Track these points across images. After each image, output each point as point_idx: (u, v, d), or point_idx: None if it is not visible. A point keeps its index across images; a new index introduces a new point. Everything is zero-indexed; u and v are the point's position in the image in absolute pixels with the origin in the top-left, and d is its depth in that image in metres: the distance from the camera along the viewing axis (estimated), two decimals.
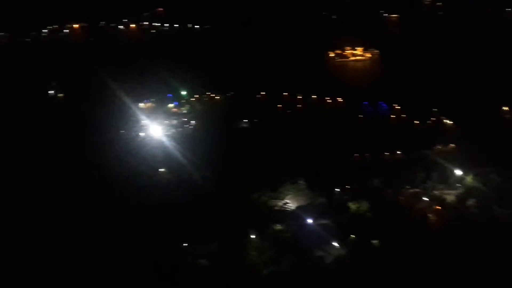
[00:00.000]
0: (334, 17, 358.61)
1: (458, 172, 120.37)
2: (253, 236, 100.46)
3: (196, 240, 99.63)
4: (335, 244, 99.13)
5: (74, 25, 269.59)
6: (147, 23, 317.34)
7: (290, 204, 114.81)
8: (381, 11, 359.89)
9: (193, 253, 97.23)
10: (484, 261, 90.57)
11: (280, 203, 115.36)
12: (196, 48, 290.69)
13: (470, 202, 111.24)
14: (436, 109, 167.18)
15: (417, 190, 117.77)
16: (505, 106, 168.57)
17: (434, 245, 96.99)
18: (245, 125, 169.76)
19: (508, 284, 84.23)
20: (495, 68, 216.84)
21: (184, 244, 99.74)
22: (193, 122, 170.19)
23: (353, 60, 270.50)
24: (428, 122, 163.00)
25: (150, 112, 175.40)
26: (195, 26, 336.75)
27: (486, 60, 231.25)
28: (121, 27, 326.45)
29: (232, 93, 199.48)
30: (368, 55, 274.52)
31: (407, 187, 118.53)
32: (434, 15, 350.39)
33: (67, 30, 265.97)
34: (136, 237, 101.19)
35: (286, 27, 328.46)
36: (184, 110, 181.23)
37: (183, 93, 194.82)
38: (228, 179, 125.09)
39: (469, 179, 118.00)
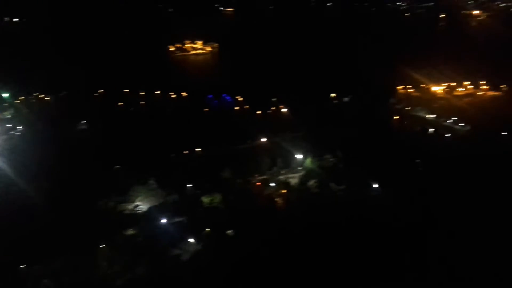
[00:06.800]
0: (170, 10, 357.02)
1: (299, 156, 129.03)
2: (102, 246, 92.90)
3: (37, 259, 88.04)
4: (191, 240, 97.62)
5: None
6: None
7: (141, 206, 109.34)
8: (216, 5, 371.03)
9: (35, 274, 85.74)
10: (329, 235, 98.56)
11: (130, 206, 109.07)
12: (15, 43, 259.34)
13: (311, 182, 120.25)
14: (275, 99, 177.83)
15: (264, 177, 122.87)
16: (333, 93, 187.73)
17: (284, 227, 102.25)
18: (83, 127, 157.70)
19: (353, 254, 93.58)
20: (326, 58, 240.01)
21: (21, 266, 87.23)
22: (19, 127, 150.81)
23: (194, 54, 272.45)
24: (268, 111, 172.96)
25: None
26: (5, 19, 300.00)
27: (318, 51, 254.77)
28: None
29: (65, 92, 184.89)
30: (208, 48, 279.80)
31: (255, 175, 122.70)
32: (266, 8, 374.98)
33: None
34: None
35: (121, 20, 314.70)
36: (7, 114, 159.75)
37: (5, 95, 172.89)
38: (68, 187, 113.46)
39: (308, 162, 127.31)
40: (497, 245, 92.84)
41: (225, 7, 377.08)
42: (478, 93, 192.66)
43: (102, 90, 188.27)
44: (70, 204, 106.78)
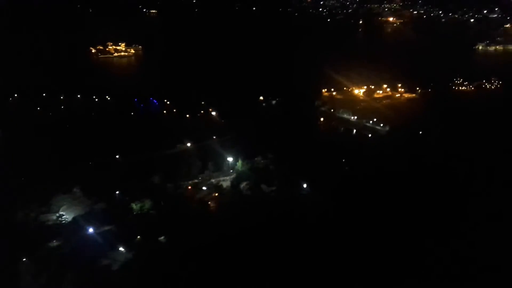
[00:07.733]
0: (90, 10, 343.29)
1: (230, 159, 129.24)
2: (24, 259, 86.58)
3: None
4: (121, 249, 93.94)
5: None
6: None
7: (66, 216, 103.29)
8: (140, 6, 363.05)
9: None
10: (262, 235, 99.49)
11: (54, 216, 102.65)
12: None
13: (243, 184, 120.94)
14: (204, 103, 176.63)
15: (196, 181, 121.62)
16: (261, 96, 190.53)
17: (218, 231, 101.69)
18: None
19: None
20: (252, 62, 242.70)
21: None
22: None
23: (117, 56, 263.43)
24: (197, 115, 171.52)
25: None
26: None
27: (244, 54, 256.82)
28: None
29: None
30: (132, 51, 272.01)
31: (187, 179, 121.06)
32: (191, 11, 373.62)
33: None
34: None
35: (39, 20, 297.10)
36: None
37: None
38: None
39: (239, 164, 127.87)
40: (422, 239, 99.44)
41: (148, 9, 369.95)
42: (395, 96, 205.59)
43: (17, 95, 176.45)
44: None
